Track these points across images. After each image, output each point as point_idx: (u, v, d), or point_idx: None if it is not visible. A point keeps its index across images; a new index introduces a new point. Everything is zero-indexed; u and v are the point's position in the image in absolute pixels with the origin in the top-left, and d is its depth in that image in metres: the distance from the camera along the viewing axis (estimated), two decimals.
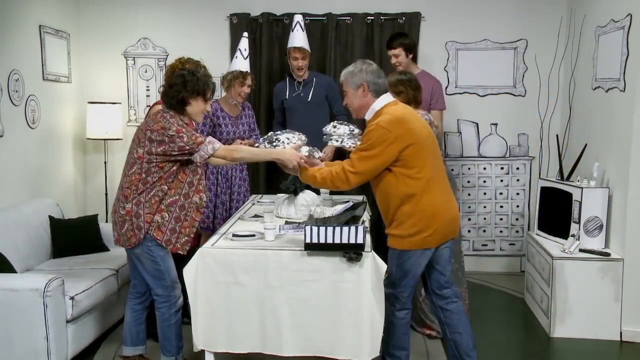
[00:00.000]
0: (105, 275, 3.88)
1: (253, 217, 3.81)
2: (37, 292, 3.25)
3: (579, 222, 4.18)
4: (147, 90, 5.60)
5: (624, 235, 3.98)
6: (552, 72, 5.41)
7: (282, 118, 4.97)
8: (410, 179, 2.95)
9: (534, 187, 5.46)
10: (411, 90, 3.60)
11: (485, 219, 5.62)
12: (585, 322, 4.03)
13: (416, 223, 2.97)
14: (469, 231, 5.63)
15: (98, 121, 5.24)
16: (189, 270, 3.07)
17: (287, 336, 3.03)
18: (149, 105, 5.00)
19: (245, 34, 4.72)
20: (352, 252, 2.96)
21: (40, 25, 4.80)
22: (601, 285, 4.00)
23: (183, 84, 3.16)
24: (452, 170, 5.55)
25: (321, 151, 4.52)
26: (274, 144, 3.37)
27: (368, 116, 3.09)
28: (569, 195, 4.31)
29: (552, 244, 4.35)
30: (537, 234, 4.67)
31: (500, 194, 5.59)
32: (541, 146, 5.51)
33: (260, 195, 4.74)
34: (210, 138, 3.18)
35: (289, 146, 3.32)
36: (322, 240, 2.95)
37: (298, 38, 4.77)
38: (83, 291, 3.58)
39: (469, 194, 5.60)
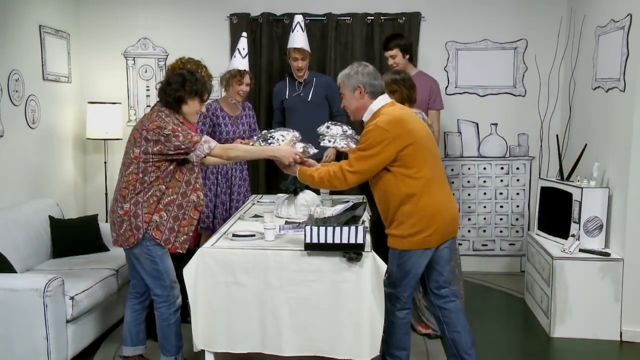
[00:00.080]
0: (105, 275, 3.88)
1: (253, 217, 3.81)
2: (37, 292, 3.25)
3: (579, 222, 4.18)
4: (147, 90, 5.60)
5: (624, 235, 3.98)
6: (552, 72, 5.41)
7: (282, 118, 4.97)
8: (409, 179, 2.95)
9: (534, 187, 5.46)
10: (405, 89, 3.61)
11: (485, 219, 5.62)
12: (585, 322, 4.03)
13: (416, 223, 2.97)
14: (469, 231, 5.63)
15: (98, 121, 5.24)
16: (189, 270, 3.07)
17: (287, 336, 3.04)
18: (149, 106, 5.00)
19: (244, 33, 4.72)
20: (352, 252, 2.96)
21: (40, 25, 4.80)
22: (601, 285, 4.00)
23: (182, 82, 3.16)
24: (452, 170, 5.56)
25: (324, 154, 4.56)
26: (269, 141, 3.39)
27: (366, 117, 3.10)
28: (569, 195, 4.31)
29: (552, 244, 4.35)
30: (537, 234, 4.67)
31: (500, 194, 5.59)
32: (541, 146, 5.51)
33: (260, 195, 4.74)
34: (206, 137, 3.18)
35: (283, 143, 3.34)
36: (322, 240, 2.95)
37: (298, 39, 4.77)
38: (83, 291, 3.58)
39: (469, 194, 5.60)
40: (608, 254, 4.04)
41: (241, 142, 4.39)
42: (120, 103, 5.46)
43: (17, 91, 4.43)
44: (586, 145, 4.57)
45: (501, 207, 5.60)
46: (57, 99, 5.11)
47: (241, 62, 4.45)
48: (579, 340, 4.01)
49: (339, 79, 3.16)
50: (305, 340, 3.05)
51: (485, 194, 5.60)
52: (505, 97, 5.50)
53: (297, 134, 3.47)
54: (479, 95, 5.51)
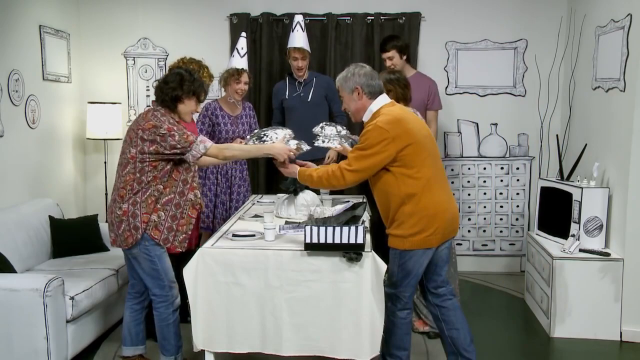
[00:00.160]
0: (105, 275, 3.88)
1: (253, 217, 3.81)
2: (37, 292, 3.25)
3: (579, 222, 4.18)
4: (147, 90, 5.60)
5: (624, 235, 3.98)
6: (552, 72, 5.41)
7: (281, 118, 4.97)
8: (410, 179, 2.95)
9: (534, 187, 5.46)
10: (400, 88, 3.62)
11: (485, 219, 5.62)
12: (585, 322, 4.04)
13: (417, 223, 2.97)
14: (469, 231, 5.63)
15: (98, 121, 5.24)
16: (189, 270, 3.07)
17: (287, 336, 3.04)
18: (149, 106, 5.00)
19: (244, 33, 4.72)
20: (352, 252, 2.96)
21: (40, 25, 4.80)
22: (601, 285, 4.00)
23: (179, 82, 3.17)
24: (452, 170, 5.56)
25: (326, 154, 4.57)
26: (263, 139, 3.44)
27: (366, 118, 3.11)
28: (569, 195, 4.31)
29: (552, 244, 4.35)
30: (537, 234, 4.67)
31: (500, 194, 5.59)
32: (541, 146, 5.51)
33: (260, 195, 4.74)
34: (201, 137, 3.18)
35: (277, 141, 3.38)
36: (322, 240, 2.95)
37: (298, 38, 4.77)
38: (83, 291, 3.58)
39: (469, 194, 5.60)
40: (608, 254, 4.04)
41: (240, 142, 4.39)
42: (120, 103, 5.46)
43: (17, 91, 4.43)
44: (586, 145, 4.57)
45: (501, 207, 5.60)
46: (57, 99, 5.11)
47: (239, 61, 4.46)
48: (579, 340, 4.01)
49: (337, 83, 3.19)
50: (305, 340, 3.05)
51: (485, 194, 5.60)
52: (505, 97, 5.50)
53: (289, 131, 3.52)
54: (479, 95, 5.51)
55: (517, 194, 5.58)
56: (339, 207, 3.29)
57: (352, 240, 2.94)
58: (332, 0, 5.41)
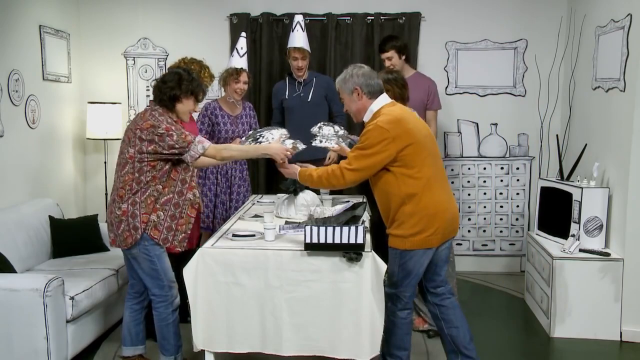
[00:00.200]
0: (105, 275, 3.88)
1: (253, 217, 3.81)
2: (37, 292, 3.25)
3: (579, 222, 4.18)
4: (147, 90, 5.60)
5: (624, 235, 3.98)
6: (552, 72, 5.41)
7: (281, 118, 4.96)
8: (410, 179, 2.96)
9: (534, 187, 5.46)
10: (397, 88, 3.62)
11: (485, 219, 5.62)
12: (585, 322, 4.04)
13: (418, 222, 2.97)
14: (469, 231, 5.63)
15: (98, 121, 5.24)
16: (189, 270, 3.07)
17: (287, 336, 3.04)
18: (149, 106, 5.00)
19: (244, 33, 4.72)
20: (352, 252, 2.96)
21: (40, 25, 4.80)
22: (601, 285, 4.00)
23: (178, 81, 3.17)
24: (452, 170, 5.56)
25: (327, 155, 4.57)
26: (259, 140, 3.46)
27: (366, 118, 3.12)
28: (569, 195, 4.31)
29: (552, 244, 4.35)
30: (537, 234, 4.67)
31: (500, 194, 5.59)
32: (541, 146, 5.51)
33: (260, 195, 4.74)
34: (199, 137, 3.18)
35: (272, 141, 3.41)
36: (322, 240, 2.95)
37: (298, 38, 4.77)
38: (83, 291, 3.58)
39: (469, 194, 5.60)
40: (608, 254, 4.04)
41: (240, 142, 4.40)
42: (120, 103, 5.46)
43: (17, 91, 4.43)
44: (586, 145, 4.57)
45: (501, 207, 5.60)
46: (57, 99, 5.11)
47: (238, 61, 4.46)
48: (579, 340, 4.01)
49: (336, 85, 3.20)
50: (305, 340, 3.05)
51: (485, 194, 5.60)
52: (505, 97, 5.50)
53: (284, 131, 3.55)
54: (479, 95, 5.51)
55: (517, 194, 5.58)
56: (339, 207, 3.29)
57: (352, 240, 2.94)
58: (332, 0, 5.41)
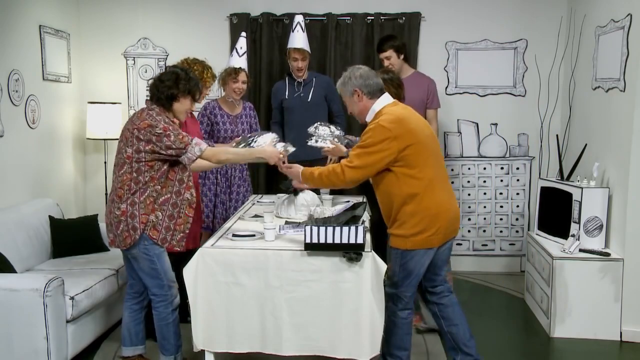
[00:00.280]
0: (105, 275, 3.88)
1: (253, 217, 3.81)
2: (37, 292, 3.25)
3: (579, 222, 4.18)
4: (147, 90, 5.57)
5: (624, 235, 3.98)
6: (552, 72, 5.41)
7: (280, 118, 4.96)
8: (412, 179, 2.96)
9: (534, 187, 5.46)
10: (393, 88, 3.63)
11: (485, 219, 5.62)
12: (585, 322, 4.03)
13: (419, 222, 2.98)
14: (469, 231, 5.63)
15: (98, 121, 5.24)
16: (189, 270, 3.07)
17: (287, 336, 3.04)
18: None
19: (244, 33, 4.72)
20: (352, 252, 2.96)
21: (40, 25, 4.80)
22: (601, 285, 4.00)
23: (175, 80, 3.17)
24: (452, 170, 5.56)
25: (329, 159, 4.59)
26: (251, 145, 3.57)
27: (369, 118, 3.13)
28: (569, 195, 4.31)
29: (552, 244, 4.35)
30: (537, 234, 4.67)
31: (500, 194, 5.59)
32: (541, 146, 5.51)
33: (260, 195, 4.74)
34: (196, 139, 3.18)
35: (265, 145, 3.50)
36: (322, 240, 2.95)
37: (298, 39, 4.77)
38: (83, 291, 3.58)
39: (469, 194, 5.60)
40: (608, 254, 4.04)
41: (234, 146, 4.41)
42: (120, 103, 5.46)
43: (17, 91, 4.43)
44: (586, 145, 4.57)
45: (501, 207, 5.60)
46: (57, 99, 5.11)
47: (237, 61, 4.46)
48: (579, 340, 4.01)
49: (337, 89, 3.23)
50: (305, 340, 3.05)
51: (485, 194, 5.60)
52: (505, 97, 5.50)
53: (275, 135, 3.63)
54: (479, 95, 5.51)
55: (517, 194, 5.58)
56: (339, 207, 3.29)
57: (352, 240, 2.94)
58: (332, 0, 5.41)
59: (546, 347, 3.97)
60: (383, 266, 2.98)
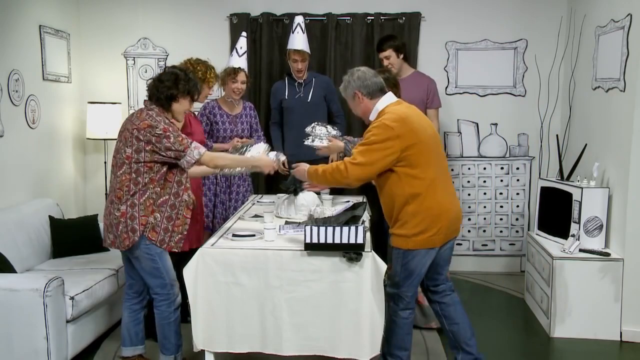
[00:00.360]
0: (105, 275, 3.88)
1: (253, 217, 3.81)
2: (37, 292, 3.25)
3: (579, 222, 4.18)
4: (146, 90, 5.58)
5: (624, 235, 3.98)
6: (552, 72, 5.41)
7: (279, 118, 4.96)
8: (414, 179, 2.96)
9: (534, 187, 5.46)
10: (389, 88, 3.63)
11: (485, 219, 5.62)
12: (585, 322, 4.03)
13: (421, 222, 2.98)
14: (469, 231, 5.63)
15: (98, 121, 5.24)
16: (189, 270, 3.07)
17: (287, 336, 3.04)
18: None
19: (244, 33, 4.73)
20: (352, 252, 2.96)
21: (40, 25, 4.80)
22: (601, 285, 4.00)
23: (175, 81, 3.17)
24: (452, 170, 5.56)
25: (330, 158, 4.59)
26: (245, 154, 3.66)
27: (372, 117, 3.15)
28: (569, 195, 4.31)
29: (552, 244, 4.35)
30: (537, 234, 4.67)
31: (500, 194, 5.59)
32: (541, 146, 5.51)
33: (260, 195, 4.74)
34: (195, 143, 3.18)
35: (259, 155, 3.56)
36: (322, 240, 2.95)
37: (298, 40, 4.76)
38: (83, 291, 3.58)
39: (469, 194, 5.60)
40: (608, 254, 4.04)
41: (238, 141, 4.41)
42: (120, 103, 5.46)
43: (17, 91, 4.43)
44: (586, 145, 4.57)
45: (501, 207, 5.60)
46: (57, 99, 5.11)
47: (237, 60, 4.47)
48: (579, 340, 4.01)
49: (342, 94, 3.26)
50: (306, 339, 3.05)
51: (485, 194, 5.60)
52: (505, 97, 5.50)
53: (266, 145, 3.70)
54: (479, 95, 5.51)
55: (517, 194, 5.58)
56: (339, 207, 3.29)
57: (352, 240, 2.94)
58: (332, 0, 5.41)
59: (546, 347, 3.97)
60: (383, 266, 2.99)
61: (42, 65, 4.84)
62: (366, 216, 3.71)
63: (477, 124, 5.54)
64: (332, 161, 4.57)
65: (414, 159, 2.95)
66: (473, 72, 5.47)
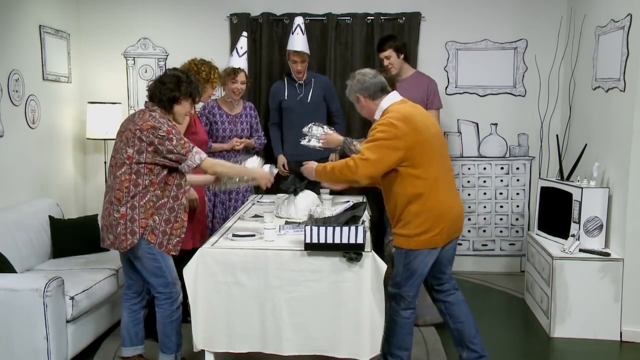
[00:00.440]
0: (105, 275, 3.88)
1: (253, 217, 3.81)
2: (37, 292, 3.25)
3: (579, 222, 4.18)
4: (146, 91, 5.58)
5: (624, 235, 3.98)
6: (552, 72, 5.41)
7: (279, 118, 4.96)
8: (416, 179, 2.97)
9: (534, 187, 5.46)
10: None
11: (485, 219, 5.62)
12: (585, 322, 4.03)
13: (423, 222, 2.99)
14: (469, 231, 5.63)
15: (98, 121, 5.24)
16: (189, 270, 3.07)
17: (287, 335, 3.04)
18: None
19: (245, 33, 4.73)
20: (352, 252, 2.96)
21: (40, 25, 4.80)
22: (601, 285, 4.00)
23: (177, 83, 3.17)
24: (452, 170, 5.55)
25: (329, 157, 4.59)
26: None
27: (377, 116, 3.16)
28: (569, 195, 4.31)
29: (552, 244, 4.35)
30: (537, 234, 4.67)
31: (500, 194, 5.59)
32: (541, 146, 5.51)
33: (260, 195, 4.74)
34: (197, 148, 3.17)
35: (255, 167, 3.57)
36: (322, 240, 2.95)
37: (298, 41, 4.76)
38: (83, 291, 3.58)
39: (469, 194, 5.60)
40: (608, 254, 4.04)
41: (237, 141, 4.41)
42: (120, 103, 5.46)
43: (17, 91, 4.43)
44: (586, 145, 4.57)
45: (501, 207, 5.60)
46: (57, 99, 5.11)
47: (237, 61, 4.47)
48: (579, 340, 4.01)
49: (349, 98, 3.29)
50: (306, 339, 3.05)
51: (485, 194, 5.60)
52: (505, 97, 5.50)
53: (260, 158, 3.72)
54: (479, 95, 5.51)
55: (517, 194, 5.58)
56: (339, 207, 3.29)
57: (352, 240, 2.94)
58: (332, 0, 5.41)
59: (546, 347, 3.97)
60: (383, 266, 2.99)
61: (42, 65, 4.84)
62: (366, 216, 3.71)
63: (477, 124, 5.54)
64: (331, 160, 4.59)
65: (417, 158, 2.96)
66: (473, 72, 5.47)
